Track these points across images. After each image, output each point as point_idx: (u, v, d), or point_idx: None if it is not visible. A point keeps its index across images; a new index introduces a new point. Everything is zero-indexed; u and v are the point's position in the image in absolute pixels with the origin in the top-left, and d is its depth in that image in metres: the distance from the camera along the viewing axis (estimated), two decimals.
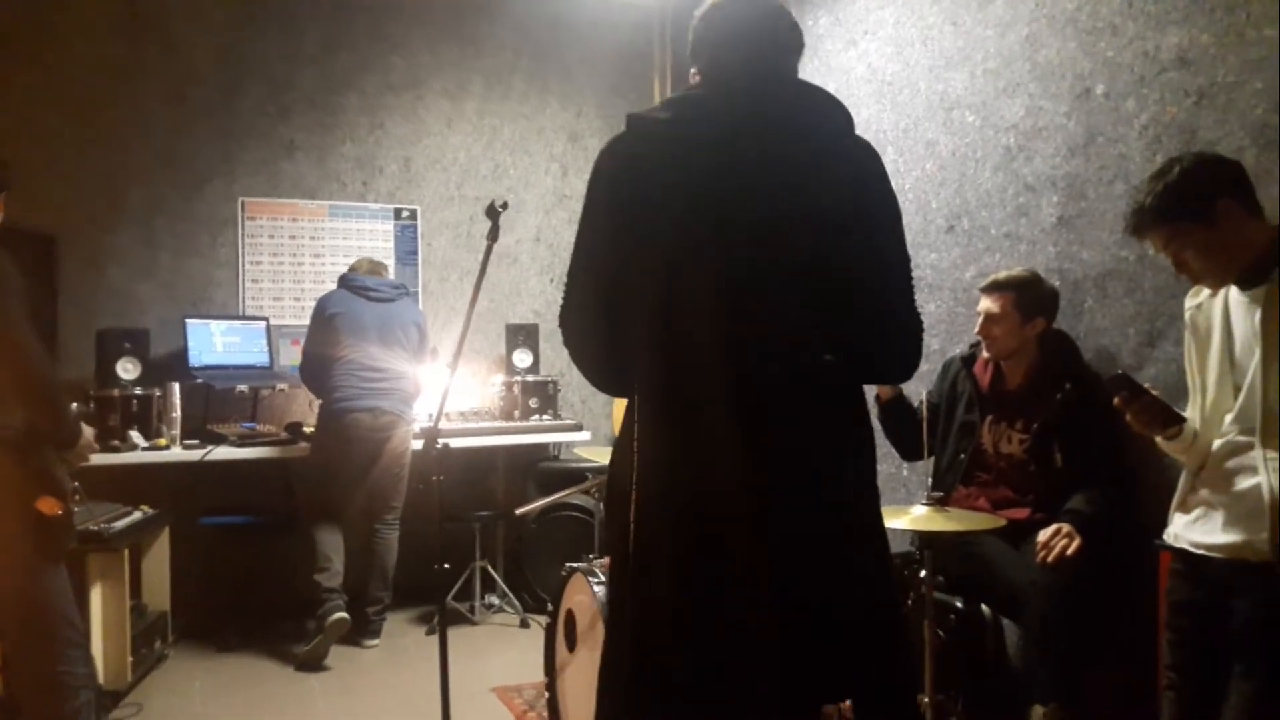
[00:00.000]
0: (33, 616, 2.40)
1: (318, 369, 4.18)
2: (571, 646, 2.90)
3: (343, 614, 3.97)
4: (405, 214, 5.14)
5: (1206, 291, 2.14)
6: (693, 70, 1.74)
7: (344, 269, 4.47)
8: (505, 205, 2.63)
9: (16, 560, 2.35)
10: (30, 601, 2.40)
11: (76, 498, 2.64)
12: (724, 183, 1.55)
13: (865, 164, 1.61)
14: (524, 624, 4.50)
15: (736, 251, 1.54)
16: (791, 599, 1.52)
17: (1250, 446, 1.99)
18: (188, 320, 4.54)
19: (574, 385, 5.14)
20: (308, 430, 4.40)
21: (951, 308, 3.57)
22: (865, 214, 1.58)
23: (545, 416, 4.91)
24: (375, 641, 4.24)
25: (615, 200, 1.60)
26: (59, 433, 2.42)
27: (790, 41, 1.70)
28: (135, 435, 4.15)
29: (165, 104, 4.73)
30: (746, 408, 1.51)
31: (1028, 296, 2.95)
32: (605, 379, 1.71)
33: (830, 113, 1.63)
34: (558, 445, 5.09)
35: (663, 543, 1.54)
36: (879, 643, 1.59)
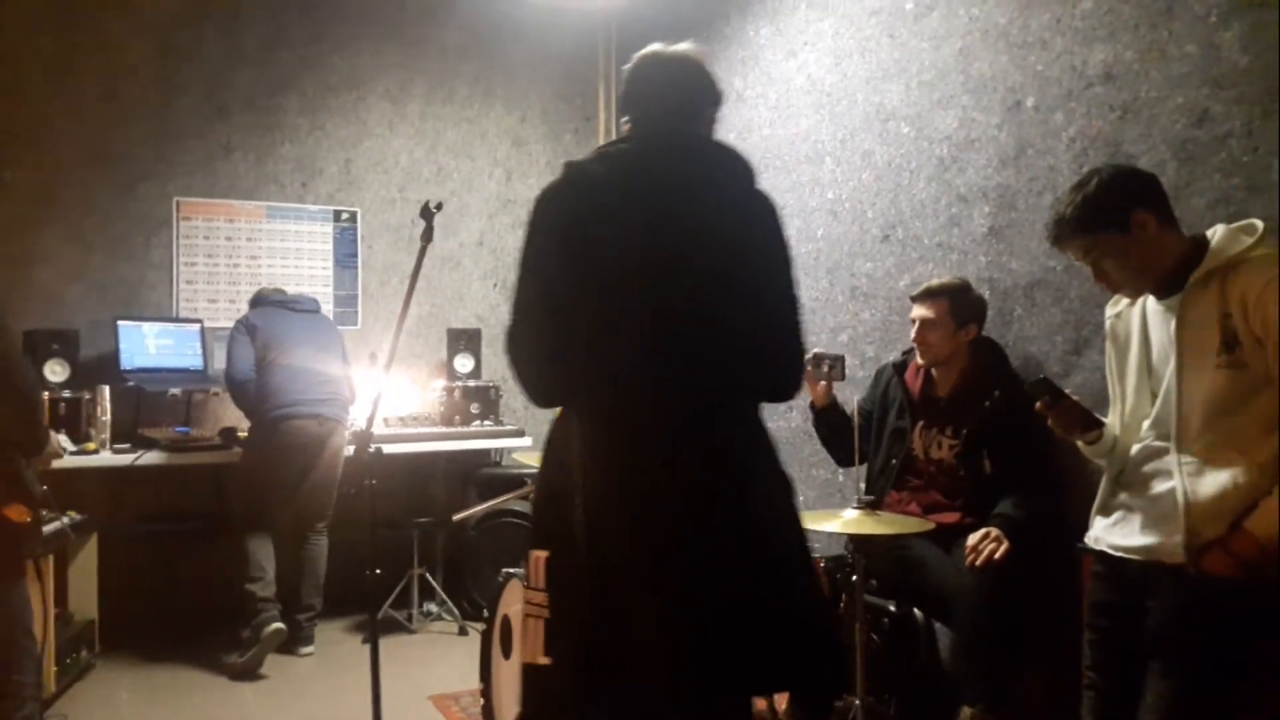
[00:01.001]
0: None
1: (248, 385, 4.08)
2: (507, 653, 2.89)
3: (279, 624, 3.91)
4: (345, 216, 5.09)
5: (1125, 301, 2.20)
6: (624, 119, 1.97)
7: (281, 270, 4.41)
8: (440, 206, 2.62)
9: None
10: None
11: (44, 507, 2.56)
12: (653, 232, 1.79)
13: (765, 217, 1.85)
14: (463, 631, 4.47)
15: (665, 290, 1.78)
16: (723, 591, 1.71)
17: (1166, 451, 2.04)
18: (120, 322, 4.45)
19: (516, 391, 5.10)
20: (241, 435, 4.32)
21: (886, 316, 3.62)
22: (764, 260, 1.83)
23: (487, 422, 4.88)
24: (310, 649, 4.18)
25: (563, 243, 1.80)
26: (32, 439, 2.37)
27: (706, 100, 1.94)
28: (63, 439, 4.04)
29: (98, 100, 4.63)
30: (676, 420, 1.75)
31: (961, 303, 3.01)
32: (548, 395, 1.89)
33: (737, 170, 1.88)
34: (499, 451, 5.06)
35: (614, 539, 1.72)
36: (812, 633, 1.80)
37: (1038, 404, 2.20)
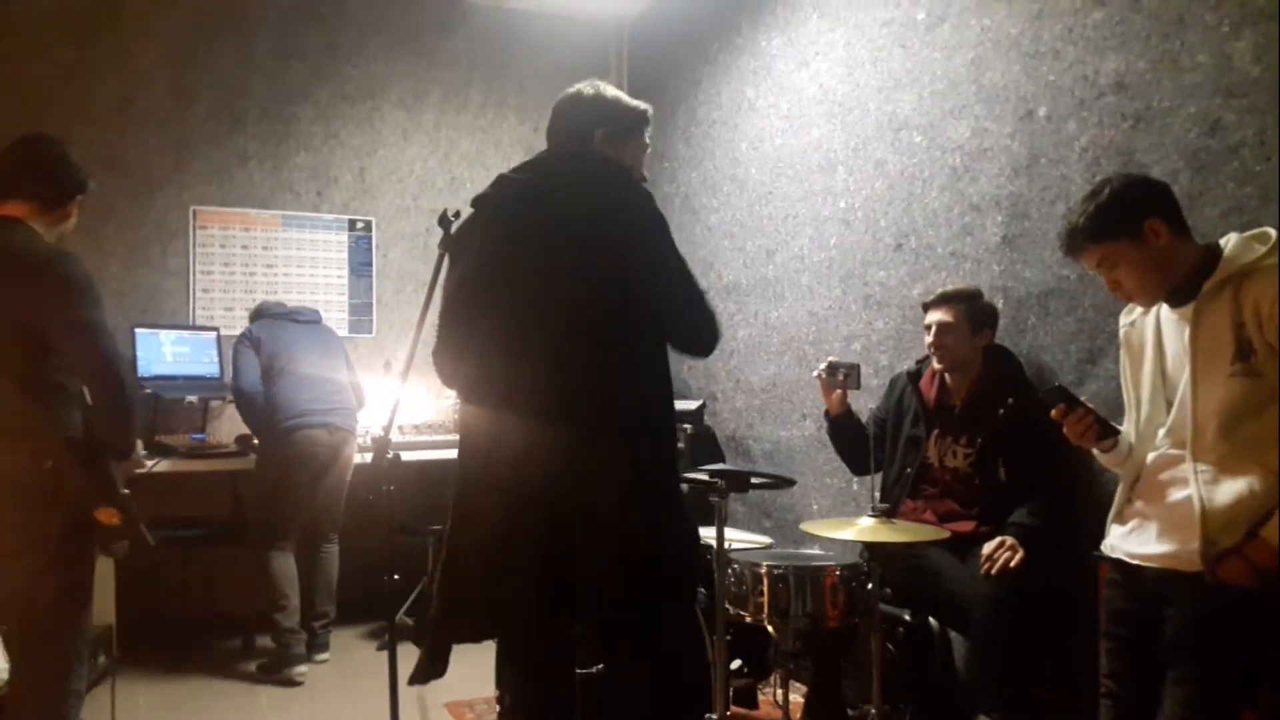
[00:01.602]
0: (62, 626, 2.34)
1: (256, 396, 4.08)
2: None
3: (303, 671, 3.96)
4: (360, 225, 5.13)
5: (1139, 309, 2.21)
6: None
7: (296, 279, 4.44)
8: (458, 214, 2.64)
9: (64, 566, 2.30)
10: (66, 611, 2.34)
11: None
12: (508, 239, 2.15)
13: (633, 211, 2.16)
14: None
15: (516, 287, 2.12)
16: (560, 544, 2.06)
17: (1182, 459, 2.05)
18: (137, 329, 4.49)
19: None
20: (257, 444, 4.35)
21: (899, 324, 3.64)
22: (633, 244, 2.14)
23: None
24: (325, 655, 4.19)
25: (451, 260, 2.24)
26: (124, 441, 2.38)
27: (594, 122, 2.28)
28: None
29: (115, 110, 4.68)
30: (534, 403, 2.09)
31: (975, 309, 3.03)
32: (451, 383, 2.32)
33: (605, 174, 2.19)
34: None
35: (472, 503, 2.14)
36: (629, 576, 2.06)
37: (1053, 411, 2.21)
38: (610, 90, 2.34)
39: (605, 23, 5.61)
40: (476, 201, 2.24)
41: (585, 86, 2.33)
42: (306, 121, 5.03)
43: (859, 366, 3.16)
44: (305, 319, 4.31)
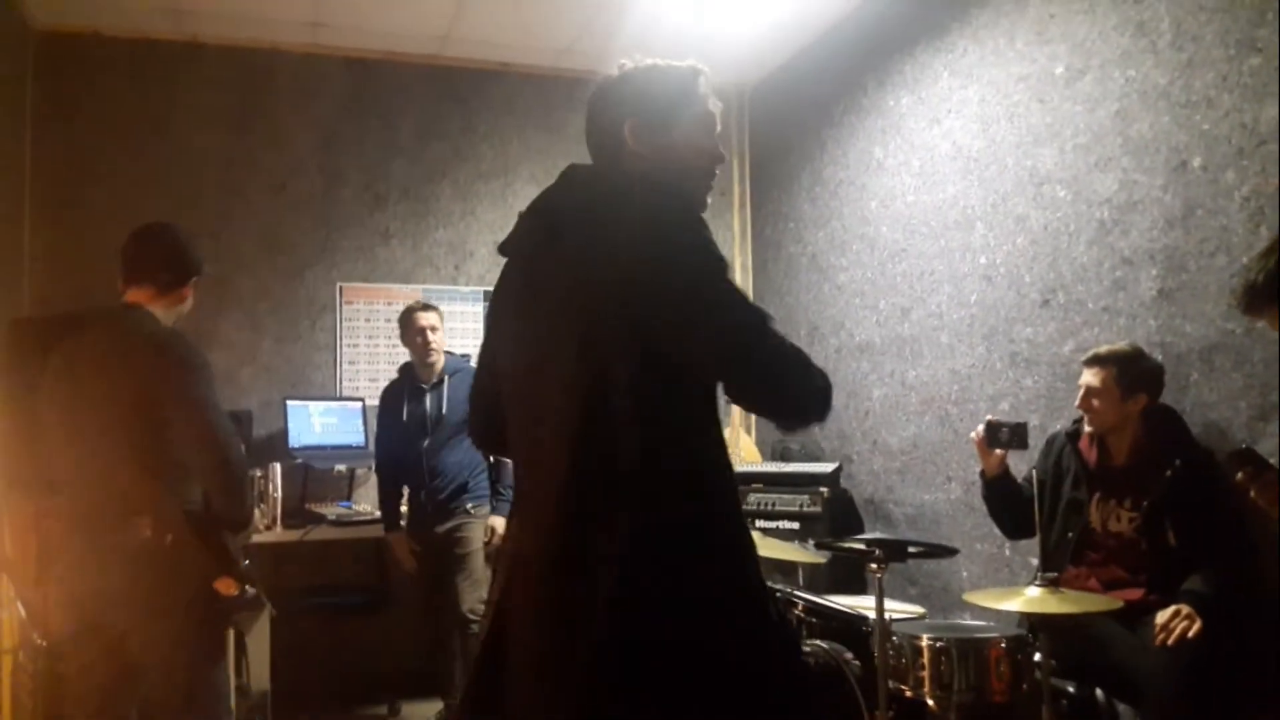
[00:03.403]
0: (196, 693, 2.43)
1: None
2: None
3: None
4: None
5: None
6: None
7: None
8: None
9: (190, 638, 2.39)
10: (196, 678, 2.43)
11: (248, 582, 2.68)
12: (524, 284, 1.72)
13: (660, 240, 1.56)
14: None
15: (526, 345, 1.68)
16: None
17: None
18: (288, 401, 4.69)
19: None
20: (403, 509, 4.47)
21: (1050, 383, 3.53)
22: (662, 296, 1.53)
23: None
24: None
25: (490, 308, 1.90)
26: (238, 514, 2.49)
27: (611, 116, 1.74)
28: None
29: (269, 194, 4.97)
30: (537, 483, 1.62)
31: (1129, 371, 2.91)
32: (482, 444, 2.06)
33: (622, 195, 1.63)
34: None
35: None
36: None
37: (1239, 475, 2.11)
38: (646, 61, 1.78)
39: (726, 88, 5.70)
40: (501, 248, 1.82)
41: (615, 69, 1.80)
42: (445, 199, 5.24)
43: (1025, 425, 3.06)
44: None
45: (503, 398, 1.73)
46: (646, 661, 1.45)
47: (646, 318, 1.51)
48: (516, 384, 1.71)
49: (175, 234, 2.67)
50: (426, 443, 4.08)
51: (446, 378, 4.18)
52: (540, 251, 1.67)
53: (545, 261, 1.65)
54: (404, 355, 4.22)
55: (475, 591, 3.97)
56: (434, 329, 4.14)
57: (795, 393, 1.60)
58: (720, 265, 1.56)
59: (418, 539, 4.13)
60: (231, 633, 3.66)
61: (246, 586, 2.49)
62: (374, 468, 4.35)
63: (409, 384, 4.20)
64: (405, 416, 4.14)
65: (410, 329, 4.15)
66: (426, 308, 4.20)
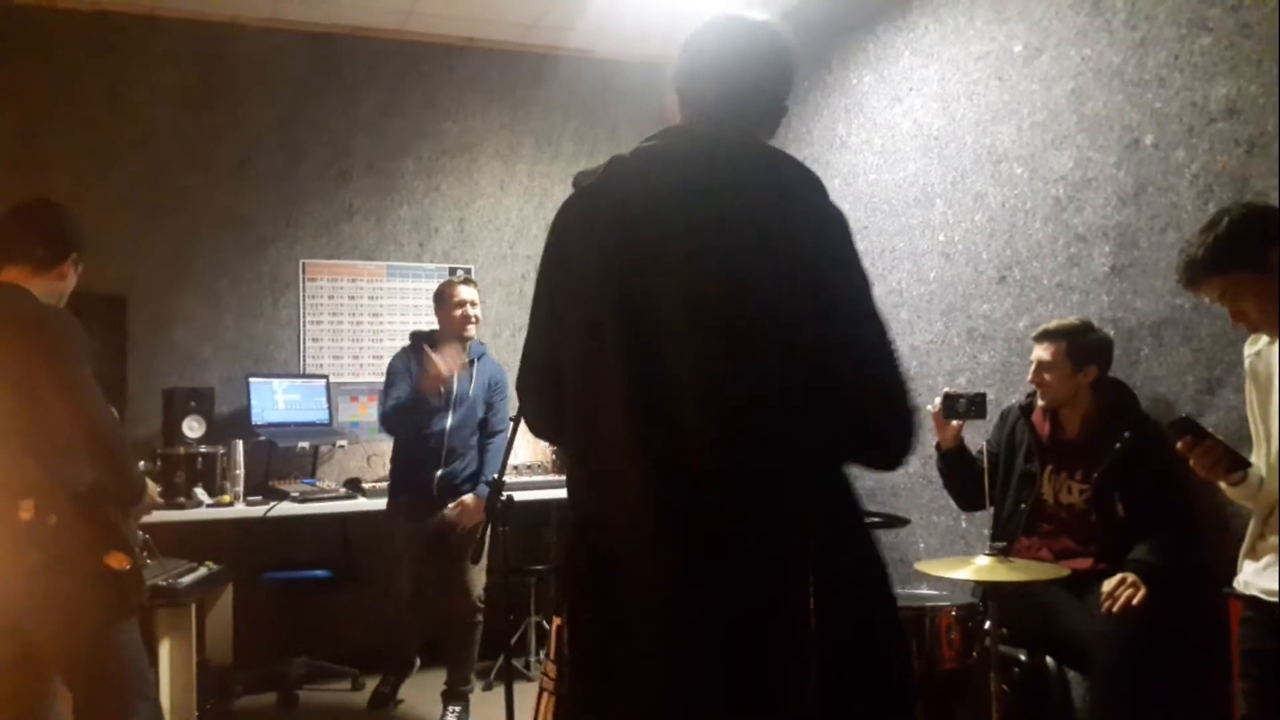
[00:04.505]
0: (104, 672, 2.41)
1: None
2: None
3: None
4: (460, 273, 5.26)
5: (1265, 338, 2.15)
6: (674, 98, 1.64)
7: (401, 326, 4.56)
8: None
9: (87, 616, 2.37)
10: (102, 657, 2.40)
11: (146, 553, 2.66)
12: (639, 251, 1.45)
13: (821, 232, 1.46)
14: None
15: (640, 325, 1.43)
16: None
17: None
18: (251, 379, 4.67)
19: None
20: (366, 486, 4.48)
21: (1005, 358, 3.58)
22: (817, 284, 1.42)
23: None
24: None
25: (546, 276, 1.59)
26: (124, 490, 2.44)
27: (771, 89, 1.59)
28: (200, 492, 4.25)
29: (230, 170, 4.92)
30: (655, 487, 1.41)
31: (1078, 344, 2.96)
32: (552, 434, 1.74)
33: (784, 177, 1.49)
34: None
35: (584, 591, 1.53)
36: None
37: (1179, 444, 2.16)
38: (785, 36, 1.62)
39: None
40: (585, 194, 1.56)
41: (770, 20, 1.62)
42: (409, 175, 5.21)
43: (984, 395, 3.09)
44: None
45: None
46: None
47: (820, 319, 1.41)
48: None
49: (52, 210, 2.59)
50: (450, 421, 4.01)
51: (475, 360, 4.09)
52: (653, 213, 1.46)
53: (664, 218, 1.45)
54: (369, 333, 4.18)
55: (482, 578, 3.96)
56: (474, 304, 4.03)
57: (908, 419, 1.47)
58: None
59: (420, 517, 4.03)
60: (192, 607, 3.67)
61: (146, 559, 2.45)
62: (384, 425, 4.18)
63: (415, 358, 4.04)
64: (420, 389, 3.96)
65: (448, 302, 4.02)
66: (467, 281, 4.12)
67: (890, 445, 1.48)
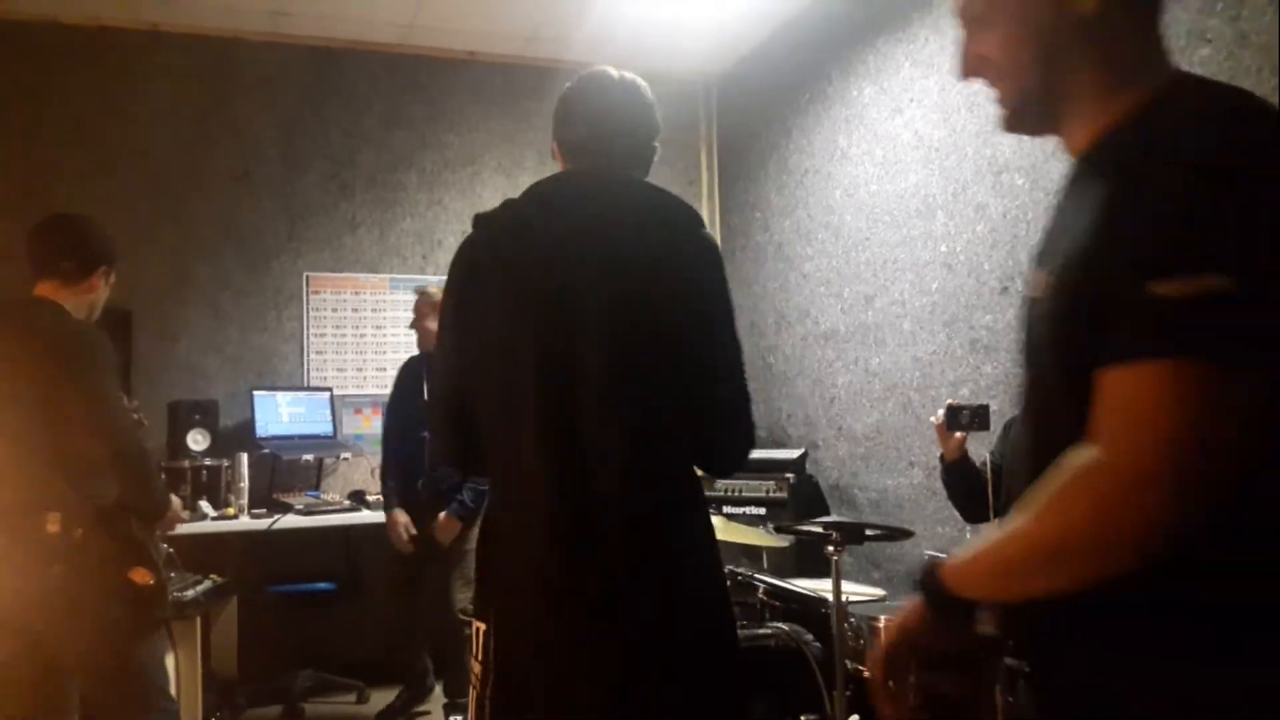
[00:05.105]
0: (127, 687, 2.43)
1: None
2: None
3: None
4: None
5: None
6: (553, 145, 1.86)
7: (405, 339, 4.55)
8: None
9: (109, 630, 2.39)
10: (125, 672, 2.43)
11: (170, 568, 2.67)
12: (545, 276, 1.61)
13: (701, 261, 1.67)
14: None
15: (558, 345, 1.58)
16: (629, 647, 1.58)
17: None
18: (255, 392, 4.68)
19: None
20: (370, 498, 4.48)
21: (1008, 368, 3.59)
22: (699, 307, 1.65)
23: None
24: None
25: (458, 302, 1.70)
26: (148, 504, 2.47)
27: (647, 134, 1.82)
28: (205, 505, 4.26)
29: (232, 182, 4.94)
30: (555, 484, 1.57)
31: None
32: (457, 463, 1.92)
33: (669, 211, 1.70)
34: None
35: (513, 604, 1.64)
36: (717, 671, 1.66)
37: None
38: (646, 91, 1.85)
39: (693, 78, 5.72)
40: (488, 225, 1.72)
41: (634, 77, 1.84)
42: (412, 188, 5.23)
43: (986, 407, 3.09)
44: None
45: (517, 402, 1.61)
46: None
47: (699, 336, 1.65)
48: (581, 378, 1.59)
49: (79, 224, 2.63)
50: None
51: None
52: (560, 241, 1.63)
53: (568, 247, 1.62)
54: (372, 345, 4.21)
55: (467, 591, 3.96)
56: None
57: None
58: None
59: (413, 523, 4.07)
60: (198, 620, 3.67)
61: (170, 574, 2.47)
62: (384, 440, 4.30)
63: (428, 367, 4.08)
64: (421, 399, 4.04)
65: (428, 317, 4.07)
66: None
67: (728, 455, 1.73)
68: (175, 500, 2.63)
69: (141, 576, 2.40)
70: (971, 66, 1.15)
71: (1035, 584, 0.98)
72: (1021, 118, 1.15)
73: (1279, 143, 0.92)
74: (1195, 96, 0.99)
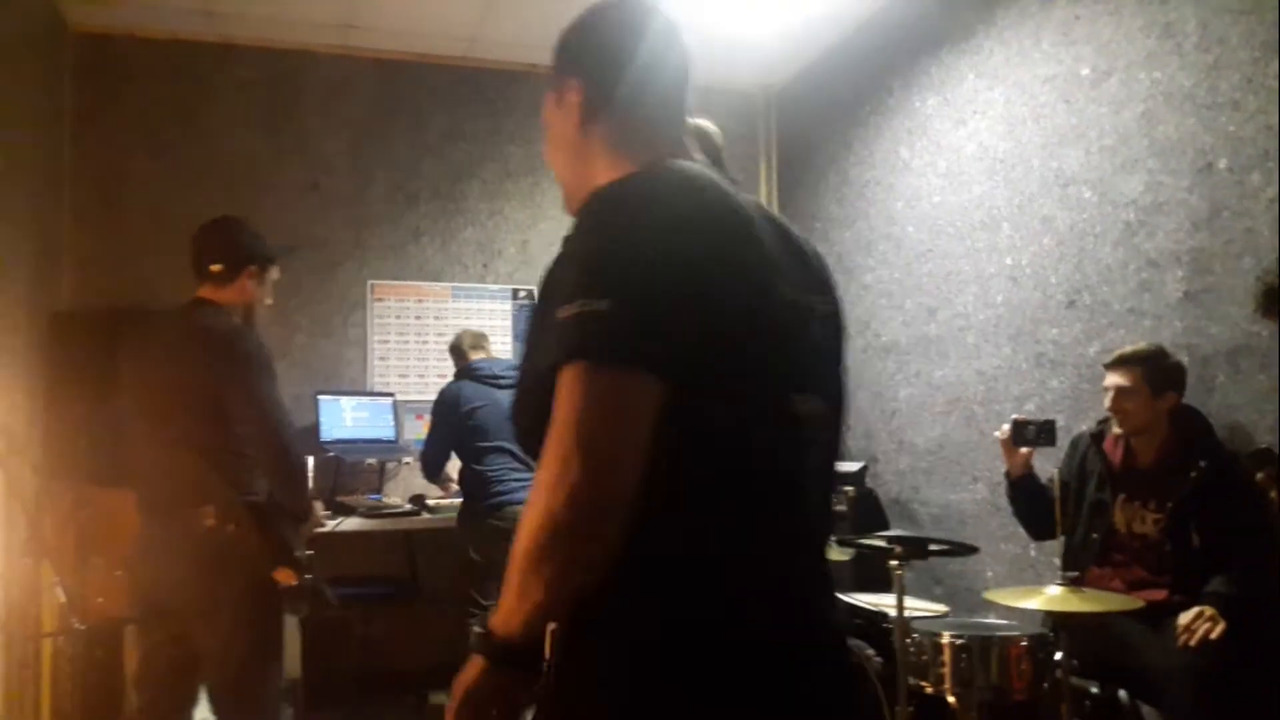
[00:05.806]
0: (255, 681, 2.47)
1: (443, 461, 4.29)
2: None
3: None
4: (522, 294, 5.34)
5: None
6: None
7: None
8: None
9: (246, 625, 2.43)
10: (257, 667, 2.47)
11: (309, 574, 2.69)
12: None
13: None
14: None
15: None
16: None
17: None
18: (319, 396, 4.77)
19: None
20: (430, 503, 4.54)
21: (1075, 384, 3.54)
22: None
23: None
24: None
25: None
26: (297, 505, 2.53)
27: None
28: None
29: (301, 193, 5.04)
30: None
31: (1156, 370, 2.92)
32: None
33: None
34: None
35: None
36: None
37: (1259, 475, 2.13)
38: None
39: (752, 90, 5.73)
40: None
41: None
42: (474, 199, 5.31)
43: (1053, 422, 3.06)
44: (509, 383, 4.20)
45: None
46: None
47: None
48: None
49: (228, 226, 2.70)
50: None
51: None
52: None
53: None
54: (435, 352, 4.26)
55: None
56: None
57: None
58: None
59: (476, 529, 4.10)
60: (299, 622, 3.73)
61: (306, 576, 2.49)
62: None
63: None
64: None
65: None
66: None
67: None
68: (317, 505, 2.69)
69: (286, 577, 2.43)
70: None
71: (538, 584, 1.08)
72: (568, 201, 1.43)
73: (670, 213, 1.10)
74: (628, 180, 1.17)
